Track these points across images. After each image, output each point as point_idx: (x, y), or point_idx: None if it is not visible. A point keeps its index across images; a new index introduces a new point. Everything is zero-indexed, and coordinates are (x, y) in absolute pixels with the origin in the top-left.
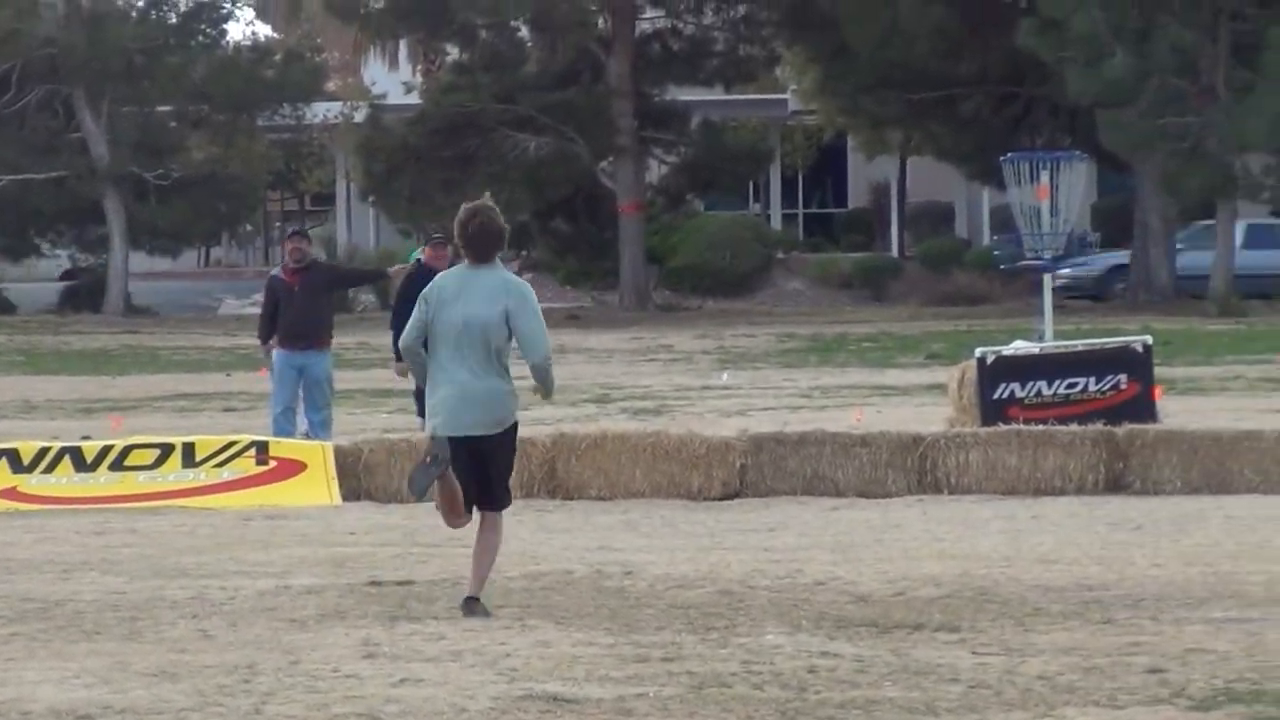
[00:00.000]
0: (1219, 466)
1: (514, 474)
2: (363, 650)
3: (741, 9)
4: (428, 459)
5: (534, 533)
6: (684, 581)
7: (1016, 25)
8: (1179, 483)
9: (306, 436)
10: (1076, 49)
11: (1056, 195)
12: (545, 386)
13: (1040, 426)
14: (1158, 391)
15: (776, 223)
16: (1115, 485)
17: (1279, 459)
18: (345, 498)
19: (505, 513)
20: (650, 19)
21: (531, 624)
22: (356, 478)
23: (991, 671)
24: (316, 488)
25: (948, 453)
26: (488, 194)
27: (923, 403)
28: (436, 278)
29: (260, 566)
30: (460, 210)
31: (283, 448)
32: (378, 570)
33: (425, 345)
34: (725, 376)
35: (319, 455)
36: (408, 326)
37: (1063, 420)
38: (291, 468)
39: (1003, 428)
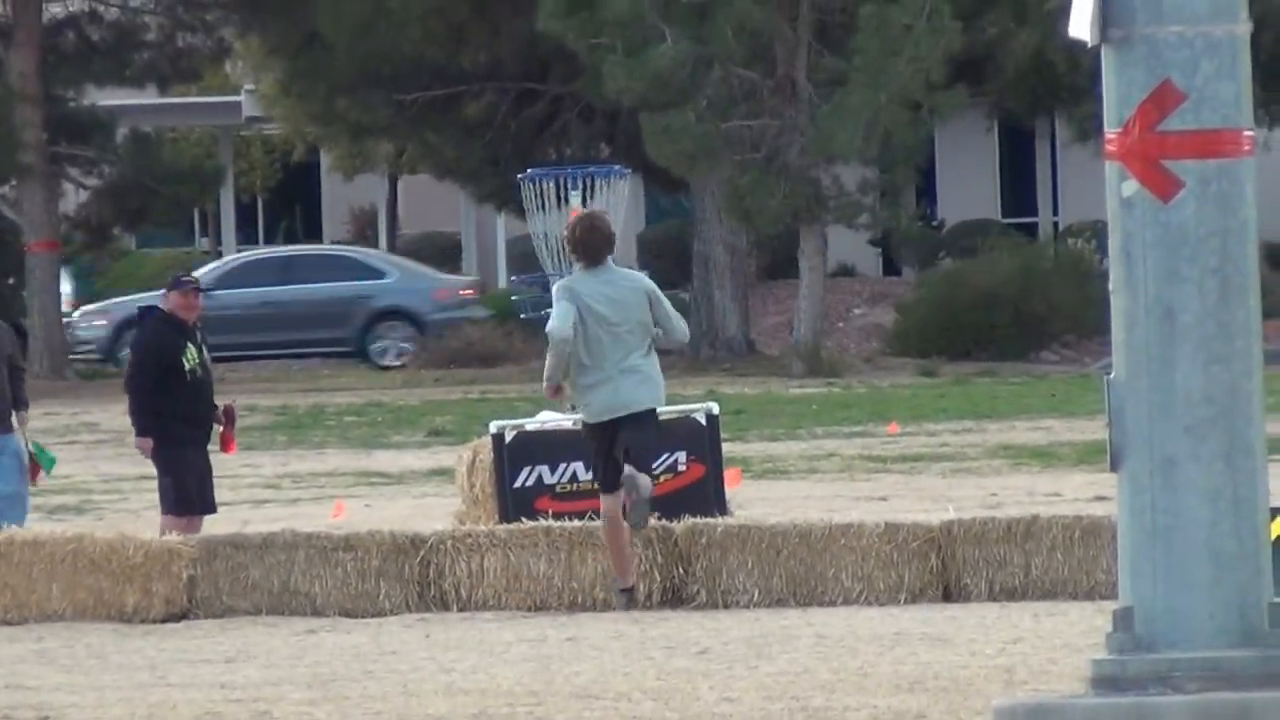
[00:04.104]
0: (808, 571)
1: None
2: None
3: None
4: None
5: None
6: None
7: (536, 3)
8: (757, 593)
9: None
10: (614, 34)
11: None
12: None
13: (576, 523)
14: (731, 475)
15: None
16: (675, 597)
17: (884, 560)
18: None
19: None
20: (61, 2)
21: None
22: None
23: None
24: None
25: (457, 558)
26: (594, 204)
27: (424, 493)
28: (570, 284)
29: None
30: (570, 219)
31: None
32: None
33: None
34: None
35: None
36: (561, 317)
37: None
38: None
39: (528, 525)
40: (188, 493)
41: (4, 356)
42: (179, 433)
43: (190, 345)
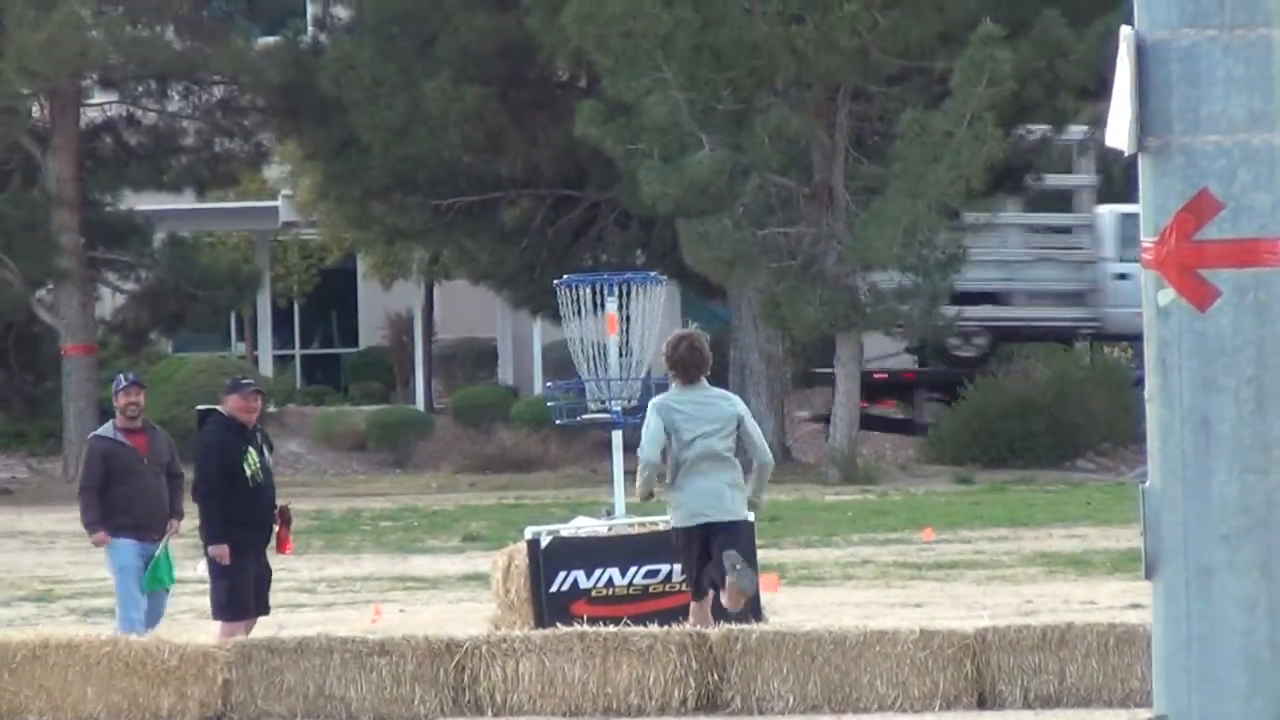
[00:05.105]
0: (843, 678)
1: None
2: None
3: (218, 92)
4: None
5: None
6: None
7: (574, 111)
8: (792, 699)
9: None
10: (650, 140)
11: (628, 329)
12: (761, 491)
13: (612, 628)
14: (769, 581)
15: (267, 366)
16: (710, 703)
17: (919, 667)
18: None
19: None
20: (100, 105)
21: None
22: None
23: None
24: None
25: (492, 662)
26: (695, 325)
27: (459, 598)
28: (665, 401)
29: None
30: (670, 336)
31: None
32: None
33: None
34: (201, 567)
35: None
36: (649, 440)
37: (641, 619)
38: None
39: (563, 630)
40: (240, 598)
41: (163, 464)
42: (239, 538)
43: (251, 449)
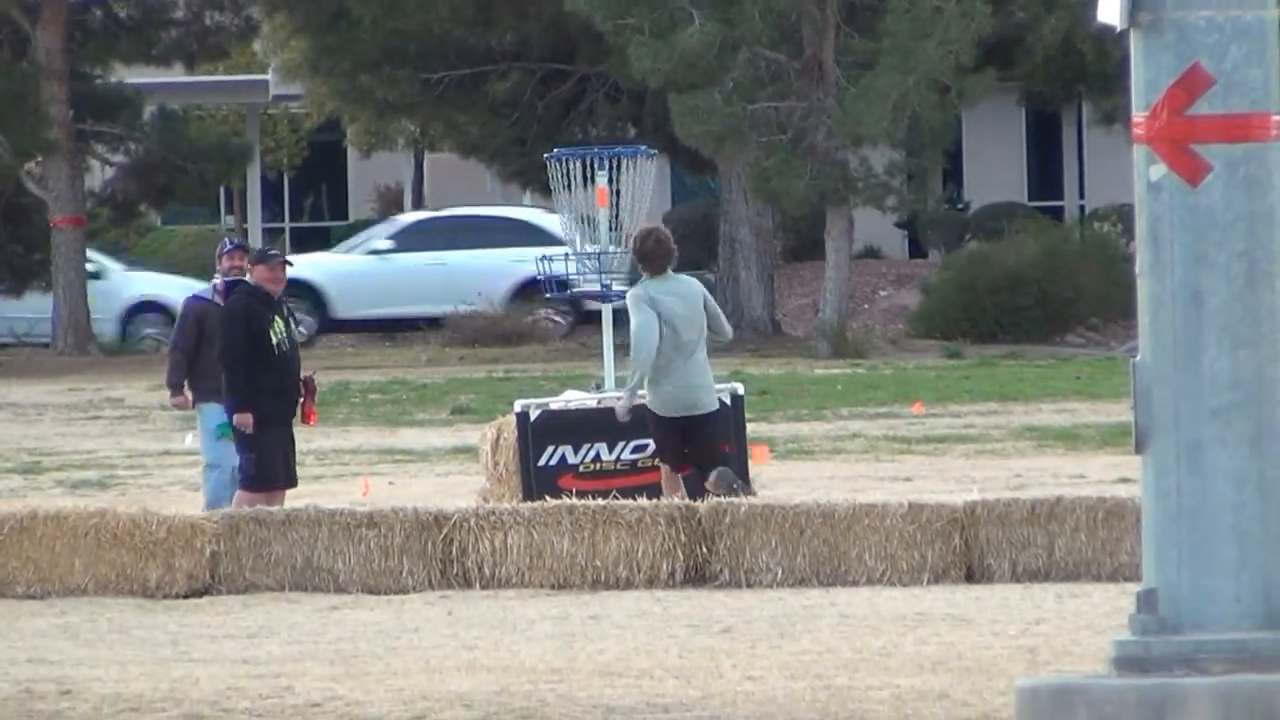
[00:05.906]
0: (831, 551)
1: None
2: None
3: None
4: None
5: None
6: (139, 703)
7: None
8: (780, 572)
9: None
10: (641, 14)
11: (618, 202)
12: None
13: (600, 501)
14: (759, 453)
15: (256, 239)
16: (698, 576)
17: (907, 540)
18: None
19: None
20: None
21: None
22: None
23: None
24: None
25: (480, 535)
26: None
27: (448, 471)
28: (648, 292)
29: None
30: (637, 230)
31: None
32: None
33: None
34: (190, 438)
35: None
36: (647, 326)
37: (629, 493)
38: None
39: (551, 503)
40: (269, 469)
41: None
42: (267, 408)
43: (277, 318)
